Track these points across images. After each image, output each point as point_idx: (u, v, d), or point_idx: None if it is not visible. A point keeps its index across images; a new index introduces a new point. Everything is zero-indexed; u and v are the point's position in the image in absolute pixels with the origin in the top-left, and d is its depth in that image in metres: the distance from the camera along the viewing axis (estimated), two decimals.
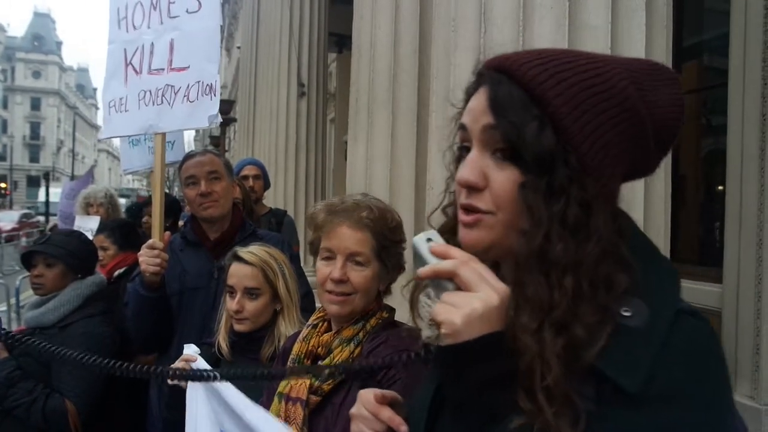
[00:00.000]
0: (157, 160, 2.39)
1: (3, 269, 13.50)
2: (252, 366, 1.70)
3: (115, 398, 2.40)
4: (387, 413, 0.90)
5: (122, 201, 5.10)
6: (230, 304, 1.79)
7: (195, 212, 2.41)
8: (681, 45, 4.28)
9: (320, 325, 1.41)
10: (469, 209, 0.74)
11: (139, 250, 2.25)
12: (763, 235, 3.19)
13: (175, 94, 2.33)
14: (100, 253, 2.91)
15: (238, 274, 1.80)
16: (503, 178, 0.71)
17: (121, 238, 3.27)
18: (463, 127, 0.77)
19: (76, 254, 2.50)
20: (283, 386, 1.35)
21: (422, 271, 0.72)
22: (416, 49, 2.83)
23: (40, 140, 69.57)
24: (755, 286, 3.21)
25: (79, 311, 2.41)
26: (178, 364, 1.64)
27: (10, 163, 49.72)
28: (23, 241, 17.78)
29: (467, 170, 0.73)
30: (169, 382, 1.66)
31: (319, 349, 1.36)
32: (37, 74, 70.17)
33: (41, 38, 71.40)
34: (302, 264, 3.32)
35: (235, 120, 14.24)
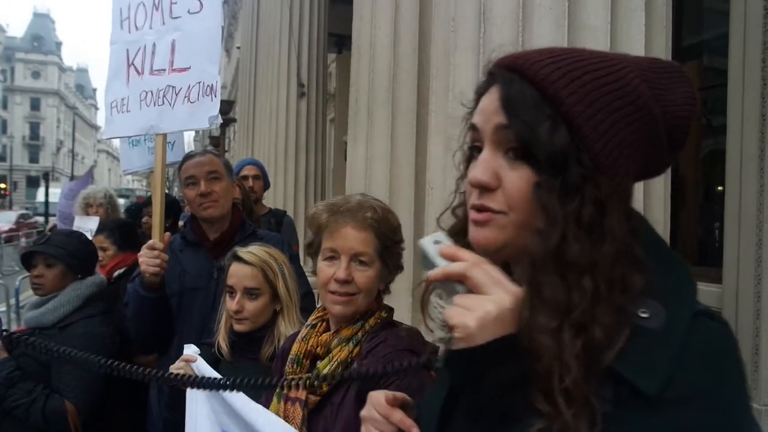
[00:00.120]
0: (158, 160, 2.39)
1: (2, 270, 13.49)
2: (253, 372, 1.70)
3: (115, 398, 2.39)
4: (398, 415, 0.89)
5: (121, 201, 5.09)
6: (230, 304, 1.79)
7: (195, 212, 2.41)
8: (680, 45, 4.28)
9: (319, 325, 1.41)
10: (481, 209, 0.73)
11: (139, 251, 2.25)
12: (762, 235, 3.19)
13: (176, 94, 2.34)
14: (100, 254, 2.90)
15: (237, 274, 1.80)
16: (516, 178, 0.71)
17: (121, 238, 3.27)
18: (474, 128, 0.76)
19: (76, 254, 2.50)
20: None
21: (432, 274, 0.71)
22: (416, 48, 2.83)
23: (39, 141, 69.55)
24: (755, 287, 3.21)
25: (78, 312, 2.41)
26: (178, 364, 1.64)
27: (10, 163, 49.70)
28: (23, 241, 17.77)
29: (479, 170, 0.72)
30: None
31: (318, 348, 1.36)
32: (36, 74, 70.16)
33: (41, 38, 71.38)
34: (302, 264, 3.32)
35: (234, 120, 14.24)
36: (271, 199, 5.47)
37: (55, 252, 2.45)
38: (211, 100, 2.28)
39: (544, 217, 0.68)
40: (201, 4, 2.33)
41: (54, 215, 10.01)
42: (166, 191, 3.70)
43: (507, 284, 0.68)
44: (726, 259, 3.42)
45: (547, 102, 0.69)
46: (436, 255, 0.71)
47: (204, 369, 1.62)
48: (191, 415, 1.53)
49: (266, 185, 4.21)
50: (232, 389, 0.79)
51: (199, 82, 2.29)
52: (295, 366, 1.37)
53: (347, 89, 3.36)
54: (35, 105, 70.06)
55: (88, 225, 3.70)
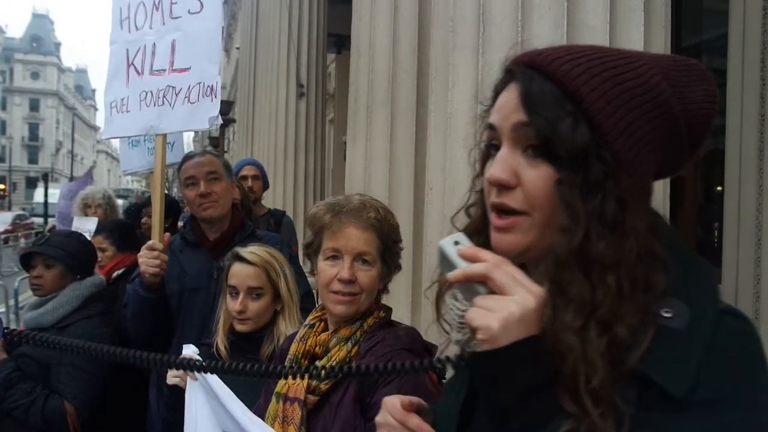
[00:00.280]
0: (158, 161, 2.39)
1: (2, 271, 13.49)
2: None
3: (114, 399, 2.39)
4: (415, 421, 0.88)
5: (119, 202, 5.09)
6: (233, 304, 1.79)
7: (194, 213, 2.41)
8: (679, 45, 4.28)
9: (317, 324, 1.41)
10: (501, 208, 0.73)
11: (138, 252, 2.25)
12: (761, 235, 3.19)
13: (176, 95, 2.33)
14: (99, 255, 2.90)
15: (240, 274, 1.80)
16: (536, 176, 0.70)
17: (120, 239, 3.27)
18: (491, 127, 0.75)
19: (75, 255, 2.50)
20: (280, 386, 1.35)
21: (452, 275, 0.70)
22: (415, 49, 2.83)
23: (38, 141, 69.50)
24: (754, 287, 3.21)
25: (78, 312, 2.41)
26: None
27: (9, 164, 49.67)
28: (22, 242, 17.76)
29: (498, 168, 0.72)
30: (168, 381, 1.66)
31: (317, 348, 1.36)
32: (35, 75, 70.12)
33: (40, 39, 71.34)
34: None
35: (234, 121, 14.24)
36: (270, 200, 5.47)
37: (54, 253, 2.45)
38: (211, 101, 2.28)
39: (567, 215, 0.68)
40: (201, 4, 2.33)
41: (53, 216, 10.01)
42: (166, 191, 3.70)
43: (529, 285, 0.67)
44: (725, 259, 3.42)
45: (567, 99, 0.69)
46: (455, 256, 0.70)
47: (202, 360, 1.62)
48: (191, 415, 1.53)
49: (265, 185, 4.21)
50: (234, 374, 0.79)
51: (200, 83, 2.29)
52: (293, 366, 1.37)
53: (346, 89, 3.36)
54: (34, 106, 70.01)
55: (86, 225, 3.70)
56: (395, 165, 2.84)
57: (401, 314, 2.45)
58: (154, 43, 2.42)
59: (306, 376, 0.93)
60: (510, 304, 0.65)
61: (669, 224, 0.75)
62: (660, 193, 1.85)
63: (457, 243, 0.72)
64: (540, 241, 0.71)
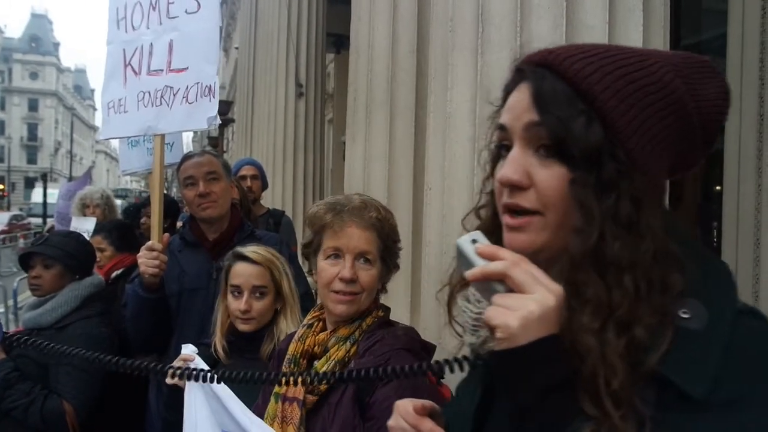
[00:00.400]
0: (156, 161, 2.38)
1: (0, 271, 13.46)
2: (249, 369, 1.70)
3: (114, 399, 2.39)
4: (428, 425, 0.87)
5: (117, 202, 5.08)
6: (236, 304, 1.79)
7: (194, 213, 2.41)
8: (678, 45, 4.28)
9: (315, 324, 1.41)
10: (514, 209, 0.72)
11: (137, 252, 2.25)
12: (760, 234, 3.20)
13: (174, 95, 2.33)
14: (97, 255, 2.90)
15: (244, 273, 1.80)
16: (549, 176, 0.69)
17: (118, 239, 3.27)
18: (502, 127, 0.75)
19: (74, 255, 2.49)
20: (279, 386, 1.35)
21: (470, 273, 0.69)
22: (414, 49, 2.83)
23: (37, 141, 69.39)
24: (752, 286, 3.21)
25: (76, 312, 2.41)
26: (175, 363, 1.64)
27: (8, 164, 49.63)
28: (21, 242, 17.75)
29: (510, 169, 0.71)
30: (167, 381, 1.66)
31: (315, 348, 1.36)
32: (34, 75, 70.03)
33: (38, 39, 71.24)
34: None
35: (233, 120, 14.22)
36: (269, 200, 5.47)
37: (52, 253, 2.45)
38: (210, 101, 2.28)
39: (581, 215, 0.67)
40: (198, 4, 2.32)
41: (52, 216, 9.99)
42: (165, 192, 3.68)
43: (549, 283, 0.66)
44: (724, 258, 3.42)
45: (580, 97, 0.68)
46: (473, 254, 0.69)
47: (201, 368, 1.62)
48: (190, 415, 1.53)
49: (264, 185, 4.20)
50: (231, 381, 0.79)
51: (198, 83, 2.29)
52: (291, 366, 1.36)
53: (346, 89, 3.36)
54: (33, 106, 69.91)
55: (85, 226, 3.69)
56: (394, 165, 2.84)
57: (400, 314, 2.45)
58: (152, 43, 2.41)
59: (308, 380, 0.92)
60: (530, 303, 0.64)
61: (681, 221, 0.74)
62: None
63: (474, 241, 0.71)
64: (553, 242, 0.71)
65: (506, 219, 0.73)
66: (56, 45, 75.66)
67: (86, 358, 0.82)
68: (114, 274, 3.12)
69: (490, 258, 0.68)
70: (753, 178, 3.24)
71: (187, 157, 2.50)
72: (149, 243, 2.21)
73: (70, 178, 29.76)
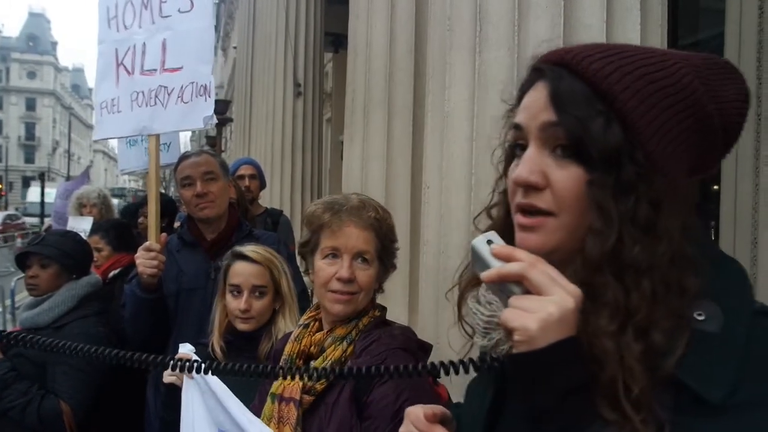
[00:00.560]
0: (152, 161, 2.37)
1: None
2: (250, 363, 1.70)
3: (112, 398, 2.39)
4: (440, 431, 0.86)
5: (114, 201, 5.08)
6: (236, 303, 1.78)
7: (191, 213, 2.41)
8: (676, 44, 4.29)
9: (312, 324, 1.41)
10: (528, 209, 0.71)
11: (134, 251, 2.25)
12: (757, 234, 3.20)
13: (169, 95, 2.31)
14: (95, 255, 2.89)
15: (244, 272, 1.80)
16: (565, 177, 0.68)
17: (116, 239, 3.26)
18: (517, 126, 0.74)
19: (70, 255, 2.49)
20: (276, 386, 1.35)
21: (486, 275, 0.67)
22: (412, 48, 2.83)
23: (35, 141, 69.25)
24: None
25: (74, 312, 2.40)
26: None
27: (6, 164, 49.49)
28: (18, 242, 17.72)
29: (525, 169, 0.70)
30: (165, 380, 1.65)
31: (312, 348, 1.35)
32: (32, 75, 69.85)
33: (36, 38, 71.07)
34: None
35: (231, 120, 14.21)
36: (267, 199, 5.46)
37: (49, 252, 2.44)
38: (205, 101, 2.27)
39: (600, 217, 0.66)
40: (192, 3, 2.30)
41: (49, 215, 9.97)
42: (163, 191, 3.67)
43: (567, 285, 0.65)
44: None
45: (599, 98, 0.67)
46: (489, 255, 0.68)
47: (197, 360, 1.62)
48: (187, 414, 1.53)
49: (262, 185, 4.20)
50: (227, 374, 0.78)
51: (193, 82, 2.27)
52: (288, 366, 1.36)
53: (344, 89, 3.36)
54: (31, 105, 69.75)
55: (81, 225, 3.69)
56: (392, 164, 2.83)
57: (398, 313, 2.45)
58: (144, 43, 2.38)
59: (305, 377, 0.92)
60: (548, 305, 0.63)
61: (698, 222, 0.72)
62: None
63: (489, 242, 0.69)
64: (566, 244, 0.70)
65: (519, 218, 0.72)
66: (54, 44, 75.50)
67: (84, 352, 0.81)
68: (111, 274, 3.11)
69: (506, 259, 0.67)
70: (750, 178, 3.24)
71: (184, 156, 2.49)
72: (147, 243, 2.20)
73: (68, 178, 29.73)
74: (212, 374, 1.29)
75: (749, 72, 3.27)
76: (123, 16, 2.46)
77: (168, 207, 4.01)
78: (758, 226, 3.21)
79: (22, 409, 2.17)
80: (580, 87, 0.68)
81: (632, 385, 0.61)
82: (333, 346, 1.32)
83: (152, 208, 2.31)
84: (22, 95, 69.33)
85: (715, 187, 3.79)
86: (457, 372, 0.71)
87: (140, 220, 4.28)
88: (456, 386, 1.30)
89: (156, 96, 2.33)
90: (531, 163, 0.70)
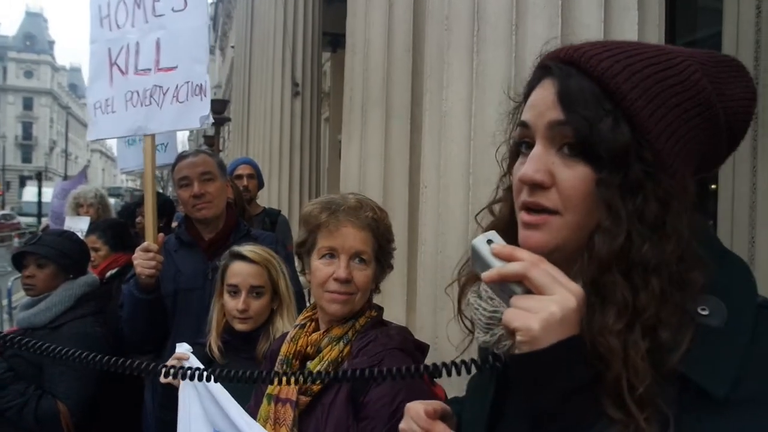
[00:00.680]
0: (147, 162, 2.35)
1: None
2: (244, 368, 1.70)
3: (109, 398, 2.38)
4: (440, 428, 0.86)
5: (111, 201, 5.07)
6: (234, 303, 1.78)
7: (189, 213, 2.40)
8: (674, 43, 4.29)
9: (308, 325, 1.40)
10: (533, 208, 0.70)
11: (131, 251, 2.24)
12: (755, 233, 3.21)
13: (164, 94, 2.29)
14: (92, 254, 2.89)
15: (242, 272, 1.80)
16: (572, 176, 0.68)
17: (113, 238, 3.25)
18: (523, 124, 0.73)
19: (67, 254, 2.48)
20: (272, 387, 1.34)
21: (487, 275, 0.67)
22: (410, 47, 2.82)
23: (32, 140, 69.10)
24: None
25: (71, 311, 2.40)
26: (170, 362, 1.63)
27: (3, 163, 49.37)
28: (15, 241, 17.68)
29: (532, 168, 0.70)
30: (161, 380, 1.65)
31: (308, 348, 1.35)
32: (29, 74, 69.68)
33: (33, 38, 70.88)
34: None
35: (229, 119, 14.19)
36: (265, 199, 5.46)
37: (46, 252, 2.43)
38: (201, 100, 2.25)
39: (608, 216, 0.66)
40: (185, 1, 2.28)
41: (46, 215, 9.95)
42: (161, 191, 3.66)
43: (568, 283, 0.65)
44: None
45: (606, 96, 0.67)
46: (489, 255, 0.68)
47: (196, 366, 1.61)
48: (184, 414, 1.53)
49: (260, 184, 4.20)
50: (224, 380, 0.78)
51: (188, 82, 2.25)
52: (284, 367, 1.35)
53: (342, 88, 3.35)
54: (28, 104, 69.57)
55: (78, 225, 3.68)
56: (390, 164, 2.83)
57: (396, 313, 2.45)
58: (138, 42, 2.36)
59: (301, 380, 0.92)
60: (550, 305, 0.63)
61: (703, 219, 0.73)
62: None
63: (490, 242, 0.69)
64: (570, 243, 0.69)
65: (523, 216, 0.72)
66: (51, 43, 75.31)
67: (79, 358, 0.81)
68: (109, 274, 3.10)
69: (507, 259, 0.67)
70: (748, 177, 3.25)
71: (181, 156, 2.48)
72: (145, 244, 2.19)
73: (65, 177, 29.64)
74: (205, 381, 1.29)
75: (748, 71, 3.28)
76: (115, 15, 2.43)
77: (166, 207, 4.00)
78: (755, 224, 3.21)
79: (19, 410, 2.17)
80: (589, 85, 0.68)
81: (637, 384, 0.61)
82: (330, 346, 1.32)
83: (149, 209, 2.30)
84: (19, 94, 69.15)
85: (713, 186, 3.80)
86: (459, 373, 0.71)
87: (138, 219, 4.27)
88: (454, 386, 1.30)
89: (151, 96, 2.31)
90: (537, 162, 0.70)
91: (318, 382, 1.26)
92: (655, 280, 0.64)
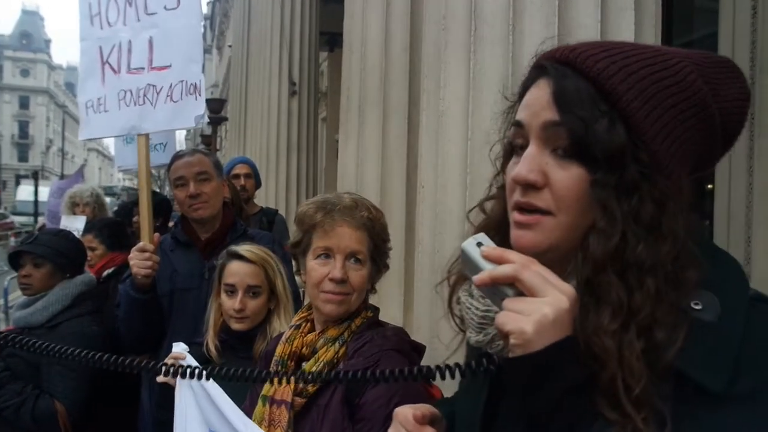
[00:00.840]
0: (141, 161, 2.32)
1: None
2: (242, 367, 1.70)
3: (106, 398, 2.38)
4: None
5: (107, 200, 5.06)
6: (231, 302, 1.78)
7: (185, 213, 2.40)
8: (670, 44, 4.30)
9: (303, 325, 1.40)
10: (526, 208, 0.70)
11: (128, 250, 2.23)
12: (751, 233, 3.22)
13: (158, 93, 2.26)
14: (88, 254, 2.88)
15: (239, 272, 1.80)
16: (566, 177, 0.68)
17: (109, 237, 3.25)
18: (518, 124, 0.73)
19: (64, 253, 2.47)
20: (266, 389, 1.34)
21: (478, 278, 0.66)
22: (407, 47, 2.82)
23: (28, 139, 68.87)
24: None
25: (68, 311, 2.39)
26: (166, 361, 1.63)
27: None
28: (12, 241, 17.64)
29: (525, 168, 0.69)
30: (158, 379, 1.65)
31: (304, 349, 1.34)
32: (25, 72, 69.44)
33: (29, 36, 70.63)
34: None
35: (226, 119, 14.17)
36: (262, 198, 5.45)
37: (42, 251, 2.43)
38: (196, 99, 2.23)
39: (603, 216, 0.66)
40: (178, 0, 2.26)
41: (42, 214, 9.92)
42: (158, 190, 3.65)
43: (560, 284, 0.65)
44: None
45: (602, 97, 0.67)
46: (479, 258, 0.67)
47: (193, 366, 1.61)
48: (180, 413, 1.53)
49: (258, 184, 4.20)
50: (220, 378, 0.78)
51: (182, 81, 2.23)
52: (279, 368, 1.35)
53: (339, 88, 3.35)
54: (24, 103, 69.32)
55: (74, 224, 3.67)
56: (387, 163, 2.83)
57: (393, 313, 2.45)
58: (130, 41, 2.33)
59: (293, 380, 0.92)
60: (543, 306, 0.62)
61: (697, 218, 0.72)
62: None
63: (479, 244, 0.68)
64: (562, 244, 0.69)
65: (515, 216, 0.72)
66: (47, 42, 75.05)
67: (78, 357, 0.81)
68: (105, 273, 3.10)
69: (498, 261, 0.66)
70: (744, 177, 3.26)
71: (177, 156, 2.47)
72: (141, 244, 2.19)
73: (62, 176, 29.57)
74: (207, 379, 1.29)
75: (742, 71, 3.29)
76: (106, 13, 2.39)
77: (162, 206, 4.00)
78: (752, 224, 3.22)
79: (16, 409, 2.17)
80: (584, 86, 0.67)
81: (632, 384, 0.61)
82: (325, 347, 1.31)
83: (144, 209, 2.28)
84: (16, 93, 68.91)
85: (710, 186, 3.81)
86: (453, 376, 0.71)
87: (135, 219, 4.26)
88: (450, 387, 1.30)
89: (144, 95, 2.29)
90: (531, 162, 0.69)
91: (314, 383, 1.26)
92: (650, 280, 0.64)
